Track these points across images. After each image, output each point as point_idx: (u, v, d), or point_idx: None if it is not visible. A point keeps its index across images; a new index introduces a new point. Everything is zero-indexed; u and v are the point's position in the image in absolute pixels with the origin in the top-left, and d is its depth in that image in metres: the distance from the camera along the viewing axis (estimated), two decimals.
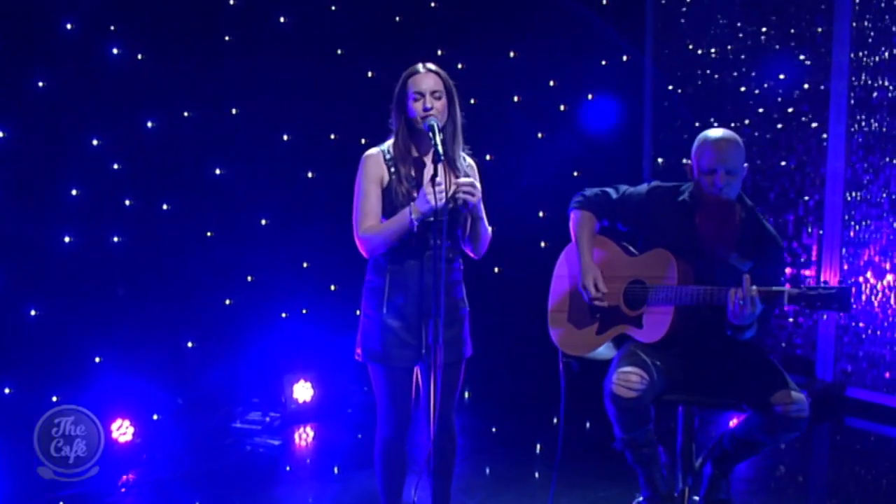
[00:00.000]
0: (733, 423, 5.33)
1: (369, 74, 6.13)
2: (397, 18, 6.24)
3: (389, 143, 3.49)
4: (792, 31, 5.87)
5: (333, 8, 5.96)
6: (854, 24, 5.50)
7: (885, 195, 5.44)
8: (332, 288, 6.07)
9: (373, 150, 3.48)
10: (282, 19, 5.78)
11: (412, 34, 6.20)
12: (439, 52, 6.17)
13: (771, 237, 3.58)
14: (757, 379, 3.48)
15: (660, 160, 6.64)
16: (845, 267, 5.61)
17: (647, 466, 3.64)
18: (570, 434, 3.95)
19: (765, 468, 4.72)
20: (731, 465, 3.70)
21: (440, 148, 3.26)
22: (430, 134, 3.29)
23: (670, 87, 6.61)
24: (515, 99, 6.69)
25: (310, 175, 5.96)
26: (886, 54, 5.40)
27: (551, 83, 6.68)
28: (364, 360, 3.51)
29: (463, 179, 3.37)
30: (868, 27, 5.47)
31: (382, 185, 3.41)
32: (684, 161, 3.68)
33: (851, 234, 5.57)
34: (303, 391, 5.55)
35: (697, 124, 6.39)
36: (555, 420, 5.11)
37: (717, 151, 3.51)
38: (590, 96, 6.72)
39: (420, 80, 3.38)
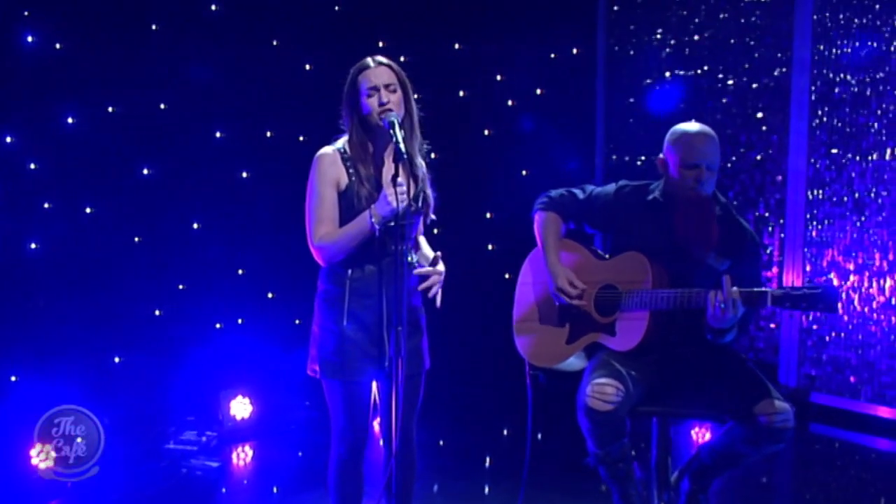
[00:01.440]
0: (695, 431, 5.28)
1: (307, 67, 5.98)
2: (336, 8, 6.10)
3: (343, 140, 3.34)
4: (751, 22, 5.85)
5: None
6: (815, 17, 5.50)
7: (848, 193, 5.45)
8: (270, 296, 5.92)
9: (328, 149, 3.32)
10: (213, 7, 5.59)
11: (352, 25, 6.07)
12: (381, 44, 6.04)
13: (748, 235, 3.54)
14: (738, 388, 3.40)
15: (614, 157, 6.58)
16: (808, 268, 5.61)
17: (622, 483, 3.53)
18: (537, 450, 3.86)
19: (726, 477, 4.67)
20: (710, 479, 3.61)
21: (402, 146, 3.13)
22: (391, 131, 3.16)
23: (624, 82, 6.55)
24: (461, 94, 6.58)
25: (245, 175, 5.79)
26: (848, 48, 5.41)
27: (499, 77, 6.59)
28: (321, 376, 3.35)
29: (434, 276, 3.31)
30: (828, 19, 5.48)
31: (339, 188, 3.28)
32: (660, 156, 3.59)
33: (814, 233, 5.58)
34: (241, 407, 5.37)
35: (652, 120, 6.35)
36: (504, 432, 5.05)
37: (698, 146, 3.45)
38: (539, 91, 6.63)
39: (372, 75, 3.25)
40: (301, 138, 5.90)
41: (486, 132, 6.64)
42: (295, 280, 5.76)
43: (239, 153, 5.72)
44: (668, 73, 6.30)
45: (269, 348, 5.71)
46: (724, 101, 5.97)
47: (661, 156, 3.59)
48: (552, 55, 6.64)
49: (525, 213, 6.61)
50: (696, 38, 6.13)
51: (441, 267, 3.35)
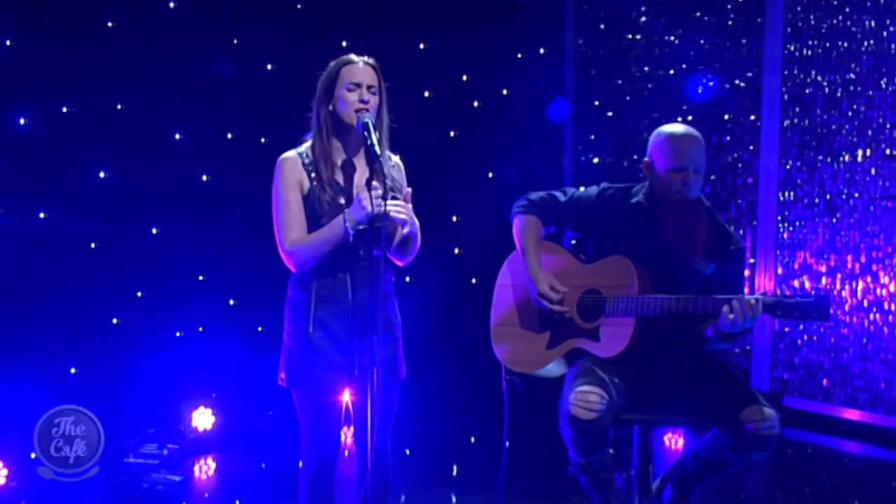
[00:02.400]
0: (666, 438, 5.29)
1: (268, 67, 5.88)
2: (298, 6, 6.01)
3: (307, 144, 3.30)
4: (722, 23, 5.88)
5: None
6: (786, 17, 5.54)
7: (819, 195, 5.50)
8: (231, 303, 5.82)
9: (289, 154, 3.29)
10: (172, 4, 5.48)
11: (315, 24, 5.98)
12: (344, 44, 5.96)
13: (733, 239, 3.56)
14: (724, 394, 3.40)
15: (583, 158, 6.58)
16: (780, 271, 5.64)
17: (604, 492, 3.51)
18: (514, 458, 3.82)
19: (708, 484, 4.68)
20: (694, 487, 3.61)
21: (377, 149, 3.10)
22: (365, 133, 3.13)
23: (593, 82, 6.55)
24: (426, 94, 6.53)
25: (205, 178, 5.69)
26: (819, 49, 5.46)
27: (464, 77, 6.55)
28: (288, 385, 3.30)
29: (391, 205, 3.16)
30: (800, 19, 5.52)
31: (302, 192, 3.24)
32: (645, 159, 3.59)
33: (786, 235, 5.61)
34: (203, 418, 5.28)
35: (622, 120, 6.37)
36: (479, 440, 5.02)
37: (685, 149, 3.46)
38: (505, 92, 6.60)
39: (357, 71, 3.23)
40: (262, 140, 5.80)
41: (451, 133, 6.60)
42: (257, 286, 5.69)
43: (199, 155, 5.60)
44: (637, 74, 6.31)
45: (231, 357, 5.61)
46: (694, 101, 5.99)
47: (646, 158, 3.59)
48: (519, 55, 6.62)
49: (492, 216, 6.62)
50: (666, 38, 6.15)
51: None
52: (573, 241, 3.83)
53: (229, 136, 5.76)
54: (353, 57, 3.26)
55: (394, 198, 3.20)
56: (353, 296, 3.23)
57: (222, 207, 5.65)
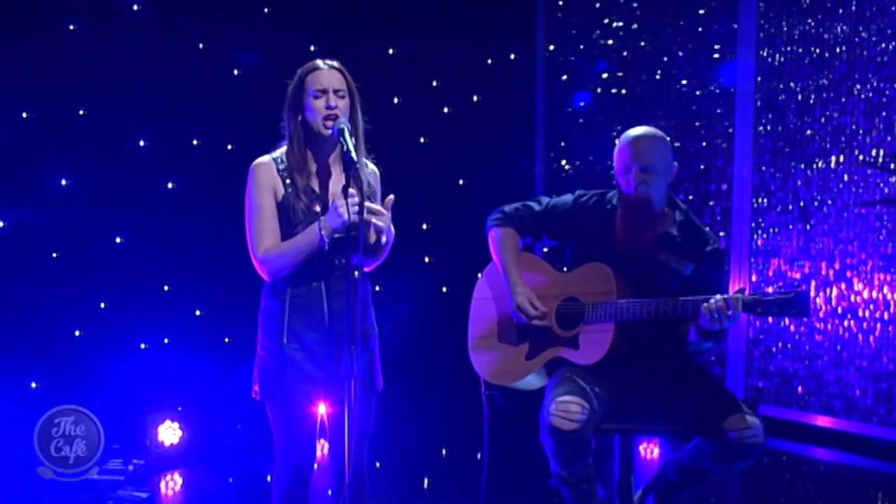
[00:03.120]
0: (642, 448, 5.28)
1: (235, 72, 5.82)
2: (266, 10, 5.96)
3: (282, 150, 3.26)
4: (694, 29, 5.92)
5: None
6: (761, 23, 5.58)
7: (793, 202, 5.54)
8: (198, 313, 5.74)
9: (263, 159, 3.25)
10: (135, 7, 5.41)
11: (282, 28, 5.94)
12: (312, 48, 5.93)
13: (711, 239, 3.58)
14: (706, 402, 3.40)
15: (555, 165, 6.59)
16: (754, 278, 5.68)
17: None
18: (494, 473, 3.80)
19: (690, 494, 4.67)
20: (676, 497, 3.60)
21: (354, 155, 3.07)
22: (341, 139, 3.10)
23: (565, 88, 6.57)
24: (395, 100, 6.50)
25: (170, 186, 5.61)
26: (792, 55, 5.50)
27: (434, 83, 6.54)
28: (261, 398, 3.26)
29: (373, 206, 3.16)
30: (772, 26, 5.56)
31: (276, 199, 3.20)
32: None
33: (759, 242, 5.65)
34: (169, 433, 5.20)
35: (594, 127, 6.38)
36: (459, 455, 4.98)
37: (632, 149, 3.47)
38: (476, 98, 6.60)
39: (322, 77, 3.19)
40: (229, 147, 5.75)
41: (421, 140, 6.57)
42: (225, 297, 5.64)
43: (164, 162, 5.53)
44: (609, 79, 6.32)
45: (198, 369, 5.54)
46: (665, 108, 6.01)
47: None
48: (489, 61, 6.62)
49: (464, 223, 6.62)
50: (639, 43, 6.18)
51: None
52: (545, 249, 3.83)
53: (195, 142, 5.69)
54: (317, 62, 3.23)
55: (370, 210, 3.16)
56: (329, 306, 3.19)
57: (188, 216, 5.59)
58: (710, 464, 3.41)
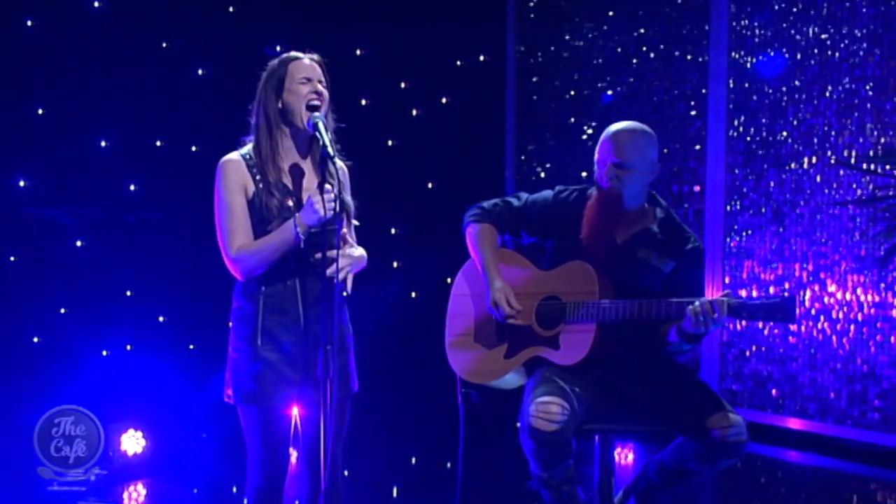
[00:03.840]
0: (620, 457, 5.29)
1: (199, 72, 5.78)
2: (231, 9, 5.94)
3: (249, 146, 3.22)
4: (666, 30, 5.96)
5: None
6: (733, 24, 5.63)
7: (766, 204, 5.58)
8: (161, 319, 5.70)
9: (232, 155, 3.20)
10: (96, 3, 5.36)
11: (247, 27, 5.92)
12: (278, 48, 5.88)
13: (692, 238, 3.57)
14: (688, 401, 3.40)
15: (525, 168, 6.59)
16: (727, 280, 5.71)
17: None
18: (470, 474, 3.76)
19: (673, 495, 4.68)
20: (658, 498, 3.58)
21: (330, 149, 3.05)
22: (317, 133, 3.08)
23: (534, 90, 6.58)
24: (363, 102, 6.48)
25: (133, 188, 5.58)
26: (764, 57, 5.56)
27: (402, 85, 6.52)
28: (235, 401, 3.21)
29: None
30: (744, 28, 5.62)
31: (247, 196, 3.16)
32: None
33: (733, 244, 5.68)
34: (132, 442, 5.13)
35: (564, 129, 6.39)
36: (434, 456, 4.96)
37: (611, 143, 3.47)
38: (445, 100, 6.59)
39: (305, 67, 3.19)
40: (193, 148, 5.73)
41: (389, 143, 6.55)
42: (189, 302, 5.61)
43: (126, 164, 5.49)
44: (580, 81, 6.34)
45: (161, 376, 5.49)
46: (637, 110, 6.04)
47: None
48: (458, 62, 6.62)
49: (432, 228, 6.60)
50: (610, 45, 6.21)
51: (356, 251, 3.25)
52: (523, 245, 3.82)
53: (158, 143, 5.65)
54: (299, 54, 3.22)
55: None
56: (304, 305, 3.16)
57: (151, 219, 5.56)
58: (692, 463, 3.40)
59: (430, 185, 6.62)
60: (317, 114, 3.14)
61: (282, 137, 3.20)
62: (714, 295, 3.31)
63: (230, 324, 3.27)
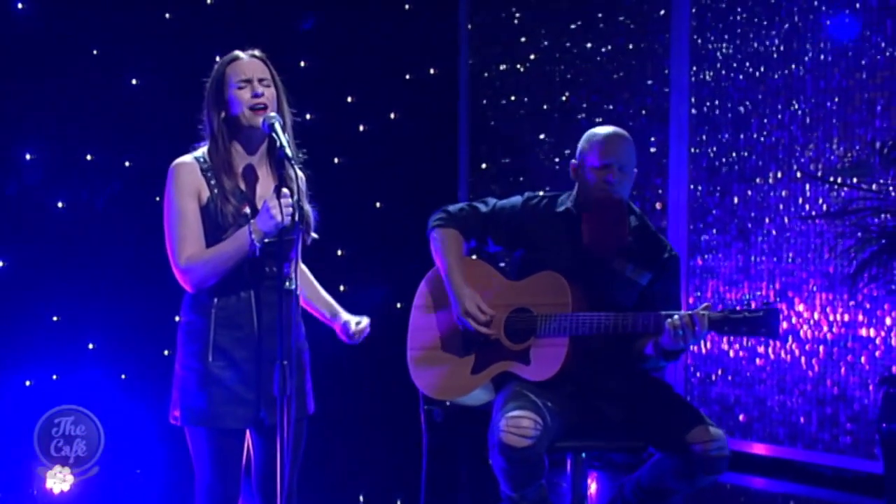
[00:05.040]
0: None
1: (133, 82, 5.71)
2: (167, 15, 5.87)
3: (203, 150, 3.21)
4: (626, 44, 6.04)
5: None
6: (694, 37, 5.73)
7: (731, 220, 5.66)
8: (91, 346, 5.55)
9: (185, 158, 3.19)
10: (20, 5, 5.28)
11: (185, 36, 5.85)
12: (217, 58, 5.84)
13: (668, 248, 3.62)
14: (666, 415, 3.42)
15: (479, 187, 6.61)
16: (691, 300, 5.77)
17: None
18: (436, 495, 3.74)
19: None
20: None
21: (288, 151, 3.04)
22: (273, 134, 3.07)
23: (489, 105, 6.61)
24: (307, 117, 6.42)
25: (60, 205, 5.45)
26: (725, 70, 5.66)
27: (349, 99, 6.51)
28: (183, 423, 3.16)
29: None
30: (707, 40, 5.72)
31: (200, 202, 3.14)
32: (573, 161, 3.67)
33: (699, 262, 5.74)
34: (58, 480, 4.95)
35: (520, 146, 6.43)
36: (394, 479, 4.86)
37: (610, 145, 3.54)
38: (393, 115, 6.59)
39: (243, 67, 3.18)
40: (127, 163, 5.64)
41: (335, 160, 6.52)
42: (121, 328, 5.51)
43: (53, 179, 5.38)
44: (538, 95, 6.39)
45: (91, 408, 5.30)
46: (599, 124, 6.08)
47: (573, 161, 3.66)
48: (407, 75, 6.63)
49: (381, 249, 6.57)
50: (568, 58, 6.27)
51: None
52: (489, 253, 3.83)
53: (89, 157, 5.55)
54: (237, 53, 3.22)
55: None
56: (259, 319, 3.13)
57: (80, 238, 5.44)
58: (671, 481, 3.41)
59: (378, 205, 6.60)
60: (272, 114, 3.13)
61: (234, 142, 3.18)
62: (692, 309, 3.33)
63: (177, 339, 3.21)
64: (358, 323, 3.34)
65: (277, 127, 3.10)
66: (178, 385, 3.18)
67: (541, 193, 3.73)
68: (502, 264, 4.12)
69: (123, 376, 5.62)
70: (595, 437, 3.50)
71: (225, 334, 3.11)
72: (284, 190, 3.06)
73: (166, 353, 5.66)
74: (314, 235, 3.33)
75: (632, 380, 3.52)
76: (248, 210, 3.14)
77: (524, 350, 3.49)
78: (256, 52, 3.23)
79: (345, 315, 3.37)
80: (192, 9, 5.93)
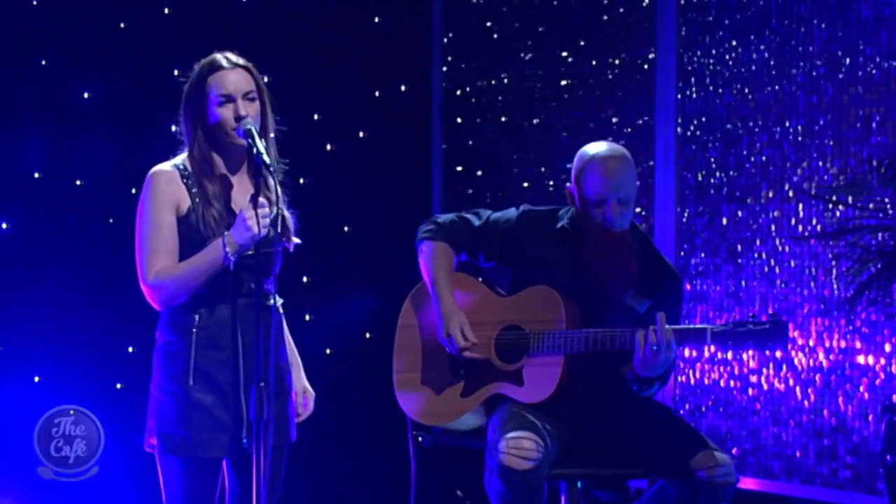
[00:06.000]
0: None
1: (85, 95, 5.67)
2: (122, 25, 5.84)
3: (183, 156, 3.23)
4: (610, 62, 6.07)
5: (35, 3, 5.47)
6: (680, 52, 5.78)
7: (721, 242, 5.68)
8: (36, 380, 5.49)
9: (164, 166, 3.19)
10: None
11: (141, 48, 5.83)
12: (175, 72, 5.81)
13: (671, 272, 3.64)
14: (669, 440, 3.44)
15: (453, 209, 6.58)
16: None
17: None
18: None
19: None
20: None
21: (266, 158, 3.06)
22: (249, 140, 3.09)
23: (465, 123, 6.61)
24: (271, 136, 6.41)
25: (4, 226, 5.40)
26: (713, 87, 5.71)
27: (315, 117, 6.50)
28: (160, 452, 3.15)
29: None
30: (695, 55, 5.77)
31: (180, 212, 3.14)
32: (567, 185, 3.67)
33: (688, 286, 5.75)
34: None
35: (499, 166, 6.43)
36: None
37: (607, 176, 3.50)
38: (362, 134, 6.58)
39: (227, 79, 3.21)
40: (78, 182, 5.57)
41: (300, 181, 6.46)
42: (66, 359, 5.44)
43: None
44: (517, 112, 6.40)
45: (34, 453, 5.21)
46: (574, 146, 6.09)
47: (568, 185, 3.65)
48: (377, 93, 6.62)
49: (349, 276, 6.52)
50: (549, 75, 6.29)
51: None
52: (481, 268, 3.84)
53: (36, 175, 5.50)
54: (220, 60, 3.26)
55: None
56: (243, 340, 3.12)
57: (26, 263, 5.40)
58: None
59: (346, 229, 6.54)
60: (248, 119, 3.14)
61: (212, 151, 3.21)
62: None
63: (153, 362, 3.21)
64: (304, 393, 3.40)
65: (254, 132, 3.12)
66: (155, 411, 3.15)
67: (538, 207, 3.74)
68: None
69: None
70: (593, 464, 3.50)
71: (207, 356, 3.10)
72: (262, 199, 3.07)
73: (119, 385, 5.59)
74: (296, 240, 3.31)
75: (631, 401, 3.52)
76: (231, 219, 3.13)
77: (517, 370, 3.50)
78: (241, 61, 3.29)
79: (300, 379, 3.44)
80: (148, 19, 5.89)
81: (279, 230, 3.14)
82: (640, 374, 3.29)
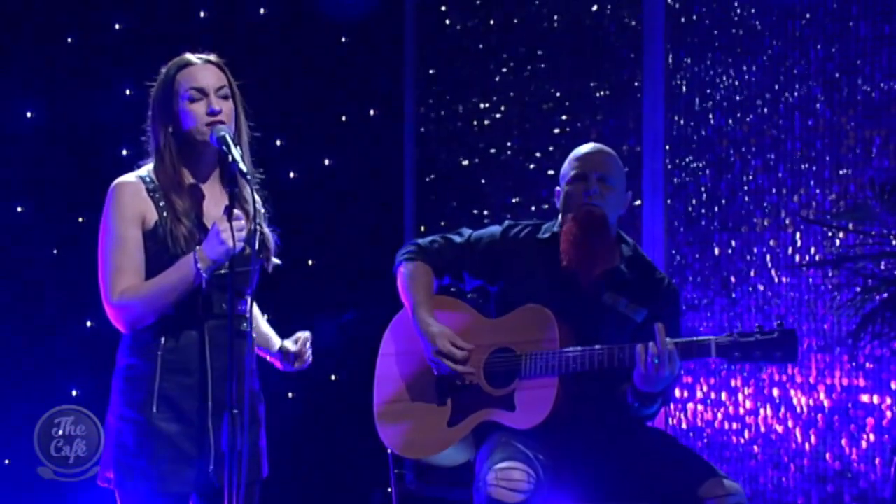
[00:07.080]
0: None
1: (28, 115, 5.68)
2: (69, 40, 5.87)
3: (149, 167, 3.16)
4: (593, 88, 6.11)
5: None
6: (668, 73, 5.82)
7: (714, 273, 5.69)
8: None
9: (128, 178, 3.13)
10: None
11: (88, 64, 5.83)
12: (128, 92, 5.84)
13: (665, 279, 3.69)
14: (674, 468, 3.42)
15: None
16: None
17: None
18: None
19: None
20: None
21: (242, 166, 3.01)
22: (223, 148, 3.03)
23: (438, 150, 6.61)
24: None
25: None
26: (701, 110, 5.75)
27: (278, 143, 6.48)
28: (117, 485, 3.07)
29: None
30: (683, 78, 5.81)
31: (146, 227, 3.08)
32: (556, 188, 3.77)
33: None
34: None
35: (476, 195, 6.43)
36: None
37: (588, 156, 3.68)
38: (328, 162, 6.56)
39: (196, 74, 3.15)
40: (20, 209, 5.53)
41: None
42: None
43: None
44: (495, 138, 6.41)
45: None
46: (556, 174, 6.13)
47: (557, 188, 3.78)
48: (343, 117, 6.62)
49: (312, 312, 6.45)
50: (528, 100, 6.31)
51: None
52: (469, 294, 3.84)
53: None
54: (190, 57, 3.19)
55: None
56: (211, 365, 3.06)
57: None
58: None
59: (310, 263, 6.50)
60: (222, 126, 3.08)
61: (185, 158, 3.14)
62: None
63: (112, 387, 3.14)
64: (296, 340, 3.33)
65: (228, 139, 3.05)
66: (113, 440, 3.08)
67: (522, 222, 3.77)
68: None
69: (7, 461, 5.45)
70: (593, 497, 3.46)
71: (172, 381, 3.04)
72: (237, 212, 3.02)
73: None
74: (276, 261, 3.32)
75: (632, 427, 3.50)
76: (200, 235, 3.09)
77: (508, 395, 3.48)
78: (212, 57, 3.22)
79: (278, 342, 3.38)
80: (99, 34, 5.89)
81: (256, 247, 3.09)
82: (640, 390, 3.28)
